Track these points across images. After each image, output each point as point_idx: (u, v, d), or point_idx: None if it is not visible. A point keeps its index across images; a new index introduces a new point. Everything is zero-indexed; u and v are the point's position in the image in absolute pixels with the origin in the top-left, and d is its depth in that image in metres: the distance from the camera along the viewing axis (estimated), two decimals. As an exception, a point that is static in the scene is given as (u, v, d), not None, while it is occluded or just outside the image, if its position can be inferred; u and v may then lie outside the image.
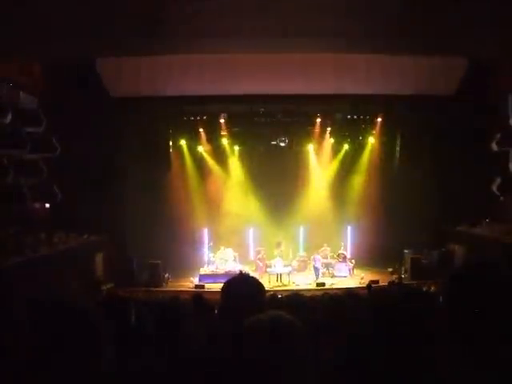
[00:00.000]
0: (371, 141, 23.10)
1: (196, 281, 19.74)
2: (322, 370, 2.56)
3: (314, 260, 20.58)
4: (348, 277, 20.60)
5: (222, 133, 22.74)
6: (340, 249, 21.71)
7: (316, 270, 20.27)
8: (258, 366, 1.76)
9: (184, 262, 21.13)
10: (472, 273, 2.18)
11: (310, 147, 23.53)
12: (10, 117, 14.69)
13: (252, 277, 3.21)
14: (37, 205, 18.10)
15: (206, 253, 22.26)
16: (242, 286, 2.87)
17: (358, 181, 23.15)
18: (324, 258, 21.14)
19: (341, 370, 2.83)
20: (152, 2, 10.84)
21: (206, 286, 18.54)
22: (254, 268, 21.25)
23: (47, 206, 18.88)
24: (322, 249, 21.42)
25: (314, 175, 23.78)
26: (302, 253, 22.39)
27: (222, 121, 22.23)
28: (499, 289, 2.08)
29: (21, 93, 17.88)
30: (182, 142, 23.06)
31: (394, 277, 18.89)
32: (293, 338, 1.80)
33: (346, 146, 23.50)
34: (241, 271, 17.47)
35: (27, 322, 1.84)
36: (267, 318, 1.85)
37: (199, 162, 23.42)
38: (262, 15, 11.21)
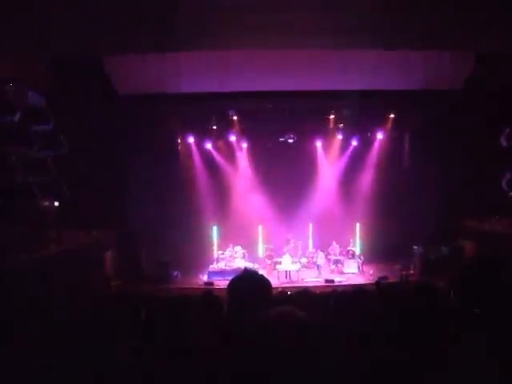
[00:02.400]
0: (380, 136, 23.04)
1: (205, 278, 19.78)
2: (331, 365, 2.55)
3: (317, 256, 20.69)
4: (357, 273, 20.59)
5: (230, 129, 22.75)
6: (349, 245, 21.72)
7: (318, 266, 20.34)
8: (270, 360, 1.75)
9: (193, 260, 21.16)
10: (483, 268, 2.17)
11: (319, 143, 23.48)
12: (18, 115, 14.73)
13: (258, 273, 3.21)
14: (46, 203, 18.15)
15: (215, 250, 22.30)
16: (247, 283, 2.86)
17: (367, 177, 23.08)
18: (333, 255, 21.24)
19: (350, 366, 2.82)
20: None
21: (215, 283, 18.57)
22: (263, 265, 21.25)
23: (56, 203, 18.93)
24: (331, 247, 21.51)
25: (322, 172, 23.73)
26: (311, 250, 22.38)
27: (230, 118, 22.25)
28: (509, 284, 2.07)
29: (29, 91, 17.91)
30: (191, 139, 23.06)
31: (404, 273, 18.85)
32: (303, 334, 1.80)
33: (354, 142, 23.44)
34: (245, 268, 17.44)
35: (43, 320, 1.85)
36: (278, 313, 1.84)
37: (208, 158, 23.42)
38: (267, 12, 11.19)
